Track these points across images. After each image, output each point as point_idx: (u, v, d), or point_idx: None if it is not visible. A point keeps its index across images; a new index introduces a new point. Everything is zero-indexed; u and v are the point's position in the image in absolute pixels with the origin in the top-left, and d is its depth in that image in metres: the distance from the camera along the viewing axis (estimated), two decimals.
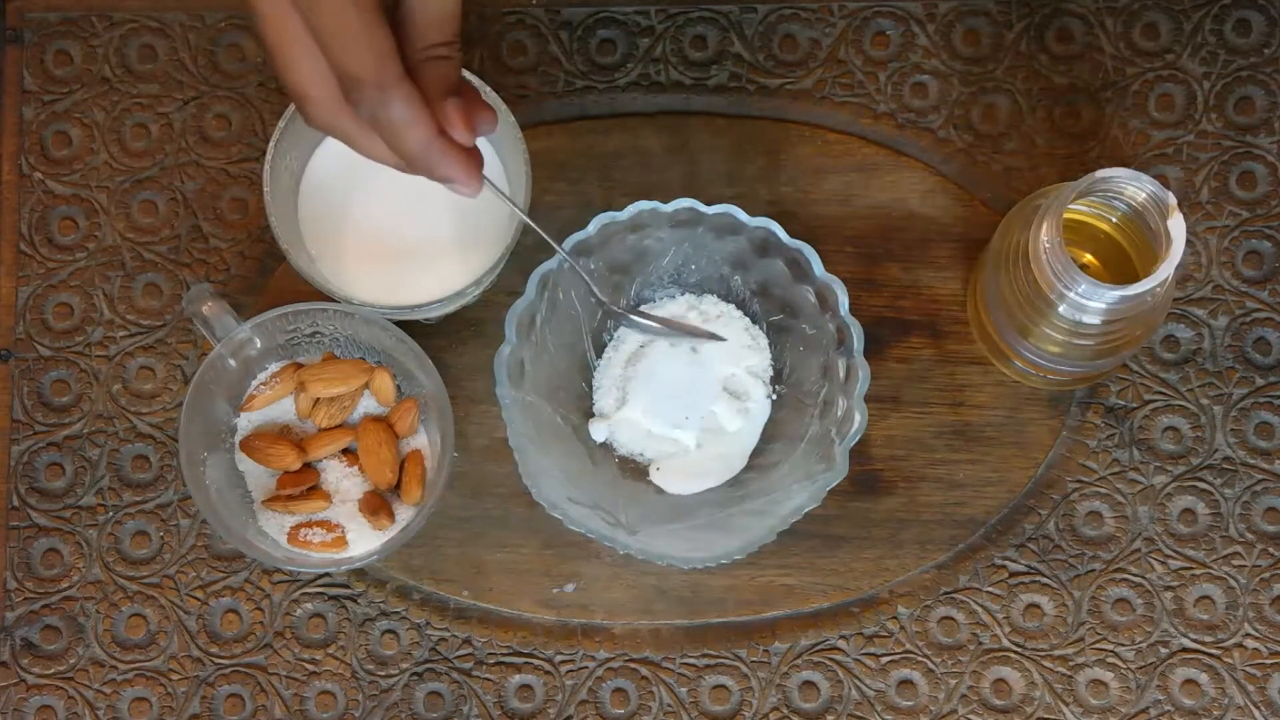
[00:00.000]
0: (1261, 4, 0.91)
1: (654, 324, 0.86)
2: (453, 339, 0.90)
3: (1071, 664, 0.87)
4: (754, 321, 0.88)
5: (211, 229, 0.91)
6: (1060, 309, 0.78)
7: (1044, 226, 0.76)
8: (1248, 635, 0.87)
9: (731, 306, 0.88)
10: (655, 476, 0.87)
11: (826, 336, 0.84)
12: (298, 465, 0.86)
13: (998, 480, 0.88)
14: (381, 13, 0.66)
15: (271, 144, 0.83)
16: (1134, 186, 0.76)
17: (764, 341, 0.88)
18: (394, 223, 0.86)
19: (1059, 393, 0.88)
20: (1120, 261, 0.81)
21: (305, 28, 0.66)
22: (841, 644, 0.87)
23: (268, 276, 0.90)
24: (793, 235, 0.83)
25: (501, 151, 0.86)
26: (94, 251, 0.91)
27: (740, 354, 0.88)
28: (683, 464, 0.87)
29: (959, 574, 0.87)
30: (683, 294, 0.89)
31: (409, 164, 0.69)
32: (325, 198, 0.87)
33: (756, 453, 0.88)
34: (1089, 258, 0.83)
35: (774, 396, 0.88)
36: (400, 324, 0.84)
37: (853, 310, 0.82)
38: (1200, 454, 0.88)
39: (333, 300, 0.84)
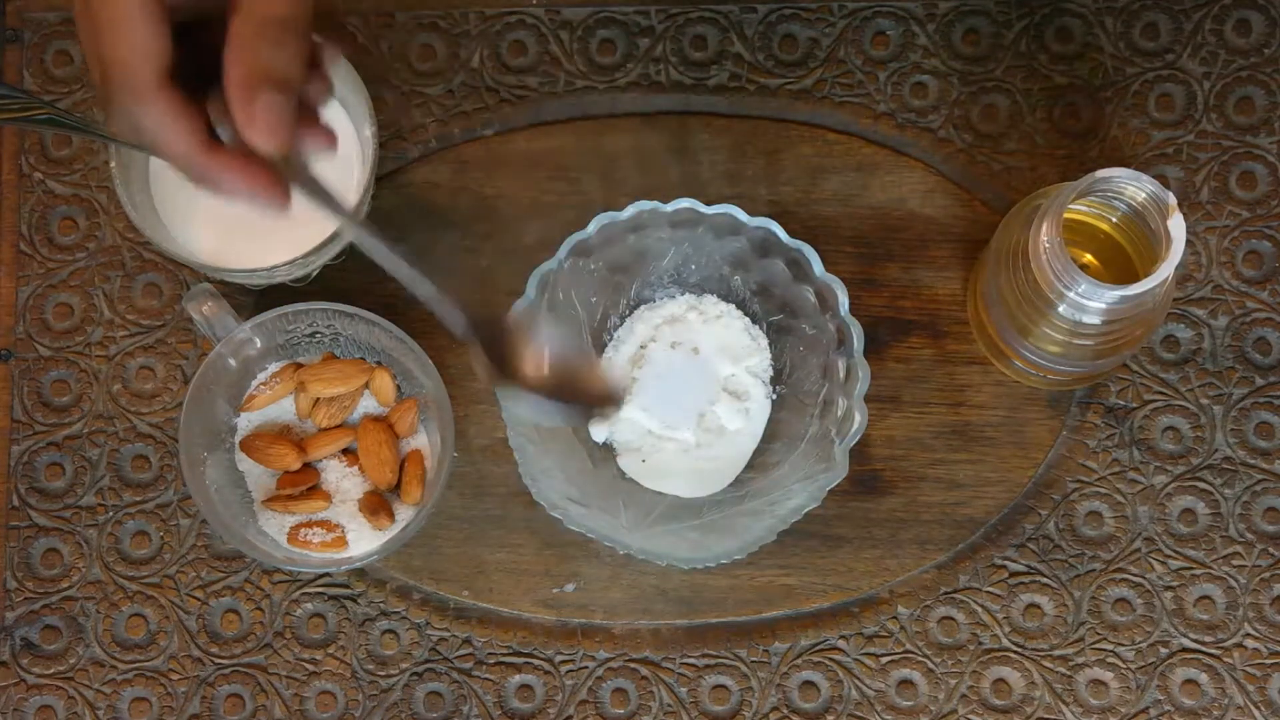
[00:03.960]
0: (1261, 4, 0.91)
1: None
2: (453, 339, 0.89)
3: (1071, 664, 0.87)
4: (754, 321, 0.88)
5: None
6: (1060, 309, 0.78)
7: (1044, 226, 0.76)
8: (1248, 635, 0.87)
9: (731, 306, 0.88)
10: (632, 469, 0.87)
11: (826, 336, 0.84)
12: (298, 465, 0.86)
13: (998, 480, 0.88)
14: (157, 9, 0.60)
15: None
16: (1134, 186, 0.76)
17: (764, 341, 0.88)
18: None
19: (1059, 393, 0.88)
20: (1120, 261, 0.81)
21: (91, 24, 0.61)
22: (841, 644, 0.87)
23: None
24: (793, 235, 0.83)
25: (354, 116, 0.87)
26: (94, 251, 0.91)
27: (740, 354, 0.88)
28: (683, 464, 0.87)
29: (959, 574, 0.87)
30: (683, 294, 0.89)
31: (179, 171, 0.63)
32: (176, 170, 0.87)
33: (757, 453, 0.88)
34: (1089, 258, 0.83)
35: (774, 396, 0.88)
36: (399, 324, 0.84)
37: (853, 310, 0.82)
38: (1200, 454, 0.88)
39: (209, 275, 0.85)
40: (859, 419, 0.81)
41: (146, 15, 0.60)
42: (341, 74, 0.85)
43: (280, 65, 0.61)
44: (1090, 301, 0.76)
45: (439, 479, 0.84)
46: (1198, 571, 0.87)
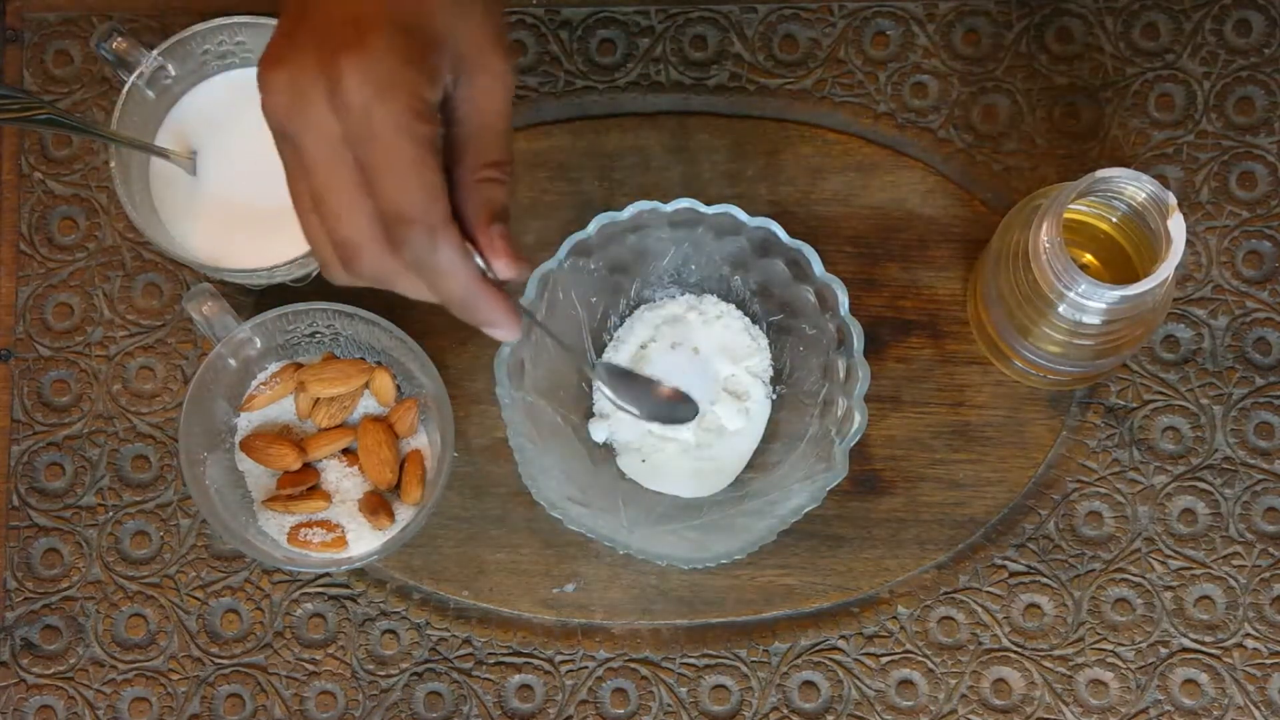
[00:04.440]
0: (1261, 4, 0.91)
1: (624, 406, 0.82)
2: (453, 339, 0.90)
3: (1071, 664, 0.87)
4: (754, 321, 0.88)
5: None
6: (1060, 309, 0.78)
7: (1044, 226, 0.76)
8: (1248, 635, 0.87)
9: (731, 306, 0.88)
10: (632, 469, 0.87)
11: (826, 336, 0.84)
12: (298, 465, 0.86)
13: (998, 480, 0.88)
14: (436, 150, 0.63)
15: (114, 121, 0.84)
16: (1134, 186, 0.76)
17: (764, 341, 0.88)
18: (246, 186, 0.86)
19: (1059, 393, 0.88)
20: (1120, 261, 0.81)
21: (355, 170, 0.63)
22: (841, 644, 0.87)
23: None
24: (793, 235, 0.83)
25: None
26: (94, 251, 0.91)
27: (740, 354, 0.87)
28: (683, 464, 0.87)
29: (959, 574, 0.87)
30: (683, 294, 0.89)
31: (448, 307, 0.66)
32: (176, 171, 0.87)
33: (757, 453, 0.88)
34: (1089, 258, 0.83)
35: (774, 396, 0.88)
36: (398, 323, 0.84)
37: (853, 310, 0.82)
38: (1200, 454, 0.88)
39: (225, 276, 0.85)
40: (859, 419, 0.81)
41: (435, 156, 0.63)
42: None
43: (502, 201, 0.66)
44: (1090, 301, 0.76)
45: (439, 479, 0.84)
46: (1198, 571, 0.87)
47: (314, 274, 0.88)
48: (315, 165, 0.63)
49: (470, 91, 0.65)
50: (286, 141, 0.64)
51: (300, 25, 0.63)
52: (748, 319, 0.88)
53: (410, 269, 0.64)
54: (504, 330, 0.67)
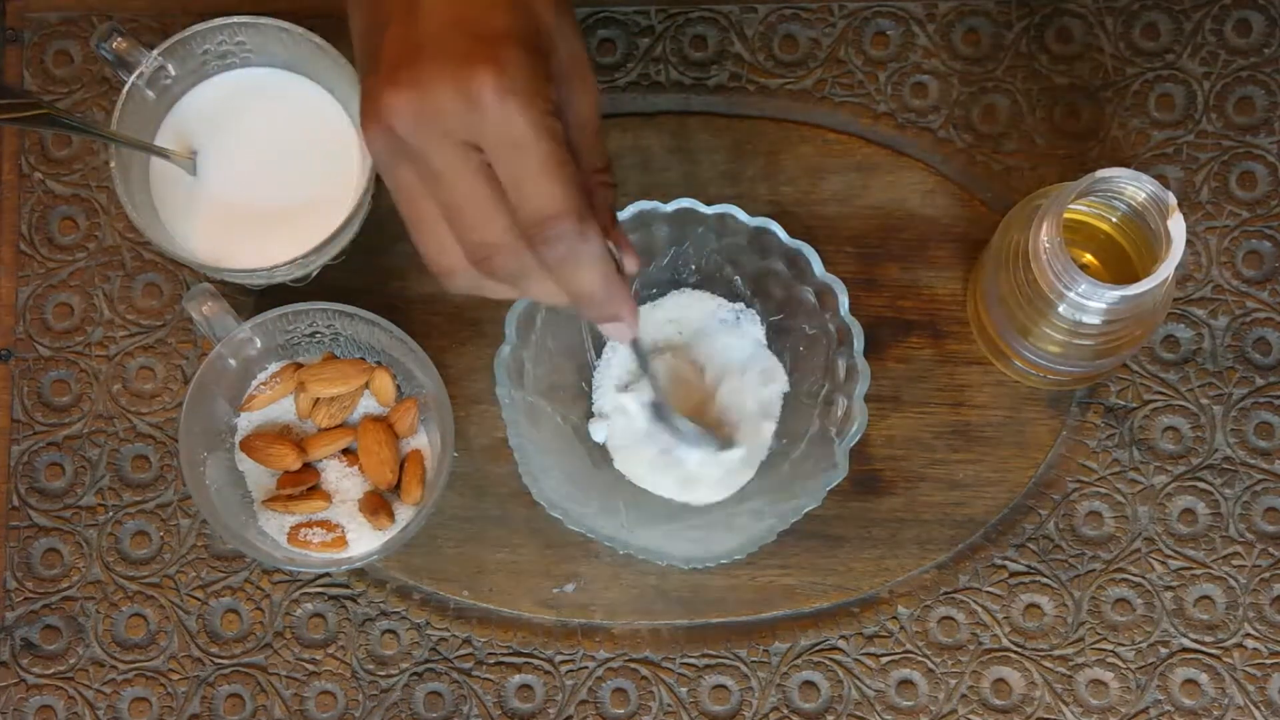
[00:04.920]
0: (1261, 4, 0.91)
1: (683, 425, 0.84)
2: (453, 339, 0.90)
3: (1071, 664, 0.87)
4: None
5: None
6: (1060, 309, 0.78)
7: (1044, 226, 0.76)
8: (1248, 635, 0.87)
9: (755, 316, 0.87)
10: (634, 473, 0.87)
11: (826, 336, 0.84)
12: (298, 465, 0.86)
13: (998, 480, 0.88)
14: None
15: (114, 121, 0.84)
16: (1134, 186, 0.76)
17: (780, 372, 0.87)
18: (246, 186, 0.87)
19: (1059, 393, 0.88)
20: (1120, 261, 0.81)
21: (489, 179, 0.65)
22: (841, 644, 0.87)
23: None
24: (793, 235, 0.83)
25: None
26: (94, 251, 0.91)
27: (756, 388, 0.87)
28: (683, 470, 0.87)
29: (959, 574, 0.87)
30: (682, 294, 0.88)
31: (584, 303, 0.68)
32: (176, 171, 0.87)
33: None
34: (1089, 258, 0.83)
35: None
36: (398, 323, 0.84)
37: (853, 310, 0.82)
38: (1200, 454, 0.88)
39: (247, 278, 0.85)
40: (859, 419, 0.81)
41: (566, 149, 0.65)
42: (341, 73, 0.85)
43: (615, 203, 0.70)
44: (1090, 301, 0.76)
45: (439, 479, 0.84)
46: (1198, 571, 0.87)
47: (314, 274, 0.88)
48: (449, 177, 0.65)
49: (570, 99, 0.68)
50: (408, 160, 0.65)
51: (417, 50, 0.64)
52: (762, 331, 0.87)
53: (548, 264, 0.66)
54: (628, 327, 0.70)
